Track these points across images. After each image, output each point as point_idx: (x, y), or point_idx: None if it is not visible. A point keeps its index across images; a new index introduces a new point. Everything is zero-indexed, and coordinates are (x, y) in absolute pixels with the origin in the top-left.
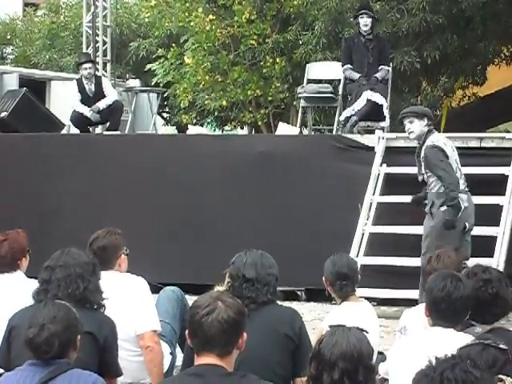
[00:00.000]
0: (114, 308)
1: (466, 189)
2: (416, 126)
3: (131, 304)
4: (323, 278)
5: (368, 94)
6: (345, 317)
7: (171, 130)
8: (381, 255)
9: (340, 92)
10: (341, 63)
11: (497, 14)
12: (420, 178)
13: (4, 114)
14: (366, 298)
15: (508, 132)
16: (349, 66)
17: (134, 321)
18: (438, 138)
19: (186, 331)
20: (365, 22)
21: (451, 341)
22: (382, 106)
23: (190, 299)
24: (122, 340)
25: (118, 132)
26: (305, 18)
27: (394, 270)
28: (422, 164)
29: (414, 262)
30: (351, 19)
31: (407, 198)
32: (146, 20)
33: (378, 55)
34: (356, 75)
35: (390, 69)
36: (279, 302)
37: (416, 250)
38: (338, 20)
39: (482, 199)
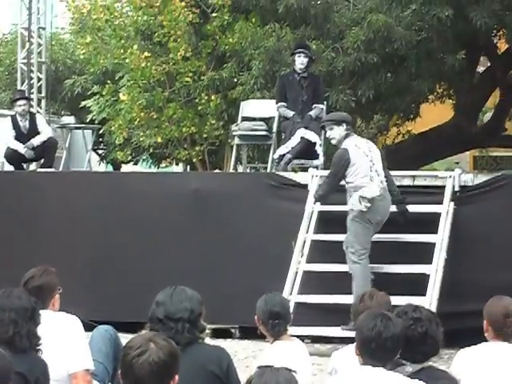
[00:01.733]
0: (47, 348)
1: (385, 184)
2: (335, 132)
3: (64, 343)
4: (255, 317)
5: (302, 132)
6: (277, 356)
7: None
8: (315, 293)
9: (274, 129)
10: (275, 101)
11: (430, 53)
12: None
13: None
14: (300, 336)
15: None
16: (283, 103)
17: (66, 360)
18: (351, 142)
19: (119, 371)
20: (301, 62)
21: (381, 380)
22: (315, 143)
23: (124, 337)
24: (55, 380)
25: (52, 169)
26: (241, 57)
27: (328, 307)
28: None
29: (348, 299)
30: (287, 58)
31: (340, 237)
32: (82, 57)
33: (312, 93)
34: (290, 113)
35: (325, 107)
36: (210, 340)
37: (350, 288)
38: (275, 60)
39: (414, 237)
